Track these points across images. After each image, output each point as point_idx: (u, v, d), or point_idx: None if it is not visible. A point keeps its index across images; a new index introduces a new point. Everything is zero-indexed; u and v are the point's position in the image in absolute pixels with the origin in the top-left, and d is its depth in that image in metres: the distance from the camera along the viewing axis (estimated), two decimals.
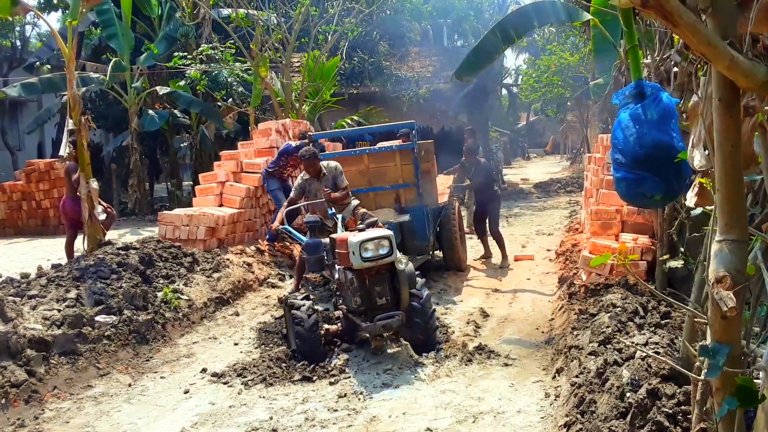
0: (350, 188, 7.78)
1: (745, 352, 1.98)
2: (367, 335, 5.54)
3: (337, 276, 5.93)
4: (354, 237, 5.41)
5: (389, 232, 5.55)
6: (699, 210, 2.64)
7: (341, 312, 5.91)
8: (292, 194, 7.73)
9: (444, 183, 10.58)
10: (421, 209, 8.45)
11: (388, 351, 5.58)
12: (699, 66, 2.42)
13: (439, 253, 9.29)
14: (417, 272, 5.90)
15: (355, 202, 7.69)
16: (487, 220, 9.82)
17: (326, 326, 5.86)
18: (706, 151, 2.17)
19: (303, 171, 7.61)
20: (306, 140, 9.44)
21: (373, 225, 6.17)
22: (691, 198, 2.62)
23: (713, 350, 1.86)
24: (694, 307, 2.97)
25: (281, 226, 7.07)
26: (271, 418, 4.47)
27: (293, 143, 9.84)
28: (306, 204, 7.62)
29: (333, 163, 7.64)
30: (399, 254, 5.61)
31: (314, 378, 5.15)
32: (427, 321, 5.67)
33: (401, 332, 5.60)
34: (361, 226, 5.74)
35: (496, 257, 9.84)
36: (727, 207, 1.95)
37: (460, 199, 10.98)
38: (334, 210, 7.14)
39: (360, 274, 5.47)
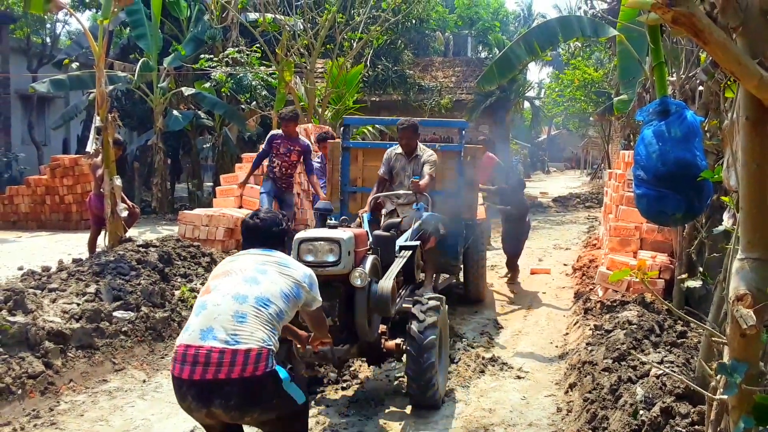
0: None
1: (762, 371, 1.97)
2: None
3: None
4: (301, 233, 4.36)
5: (341, 236, 4.22)
6: (721, 228, 2.63)
7: None
8: (380, 171, 6.64)
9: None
10: (458, 222, 6.95)
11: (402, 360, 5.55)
12: (724, 85, 2.41)
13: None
14: (437, 301, 4.66)
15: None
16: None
17: None
18: None
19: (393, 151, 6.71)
20: (327, 136, 9.14)
21: (393, 227, 5.49)
22: (727, 219, 2.60)
23: (731, 368, 1.86)
24: (711, 327, 2.95)
25: (365, 213, 6.03)
26: None
27: (277, 131, 8.68)
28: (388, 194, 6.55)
29: (431, 152, 6.62)
30: (362, 269, 4.23)
31: (326, 382, 5.15)
32: (418, 373, 4.37)
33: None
34: (332, 222, 4.54)
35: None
36: (750, 225, 1.94)
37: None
38: (421, 203, 6.09)
39: None
